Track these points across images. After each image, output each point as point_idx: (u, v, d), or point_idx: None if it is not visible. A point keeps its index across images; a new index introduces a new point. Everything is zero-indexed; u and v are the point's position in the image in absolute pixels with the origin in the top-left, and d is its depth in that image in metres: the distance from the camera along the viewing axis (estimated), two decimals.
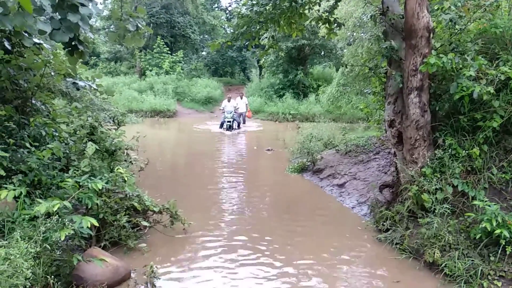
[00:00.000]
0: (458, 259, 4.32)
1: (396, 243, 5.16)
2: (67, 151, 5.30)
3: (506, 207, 4.70)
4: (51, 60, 5.72)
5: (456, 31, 5.49)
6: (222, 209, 6.90)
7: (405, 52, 5.48)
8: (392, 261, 4.92)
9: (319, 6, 7.81)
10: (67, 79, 6.33)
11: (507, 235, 4.15)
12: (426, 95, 5.40)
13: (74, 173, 4.64)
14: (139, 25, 4.80)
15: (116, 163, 5.53)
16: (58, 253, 3.82)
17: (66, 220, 3.87)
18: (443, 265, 4.38)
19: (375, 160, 8.39)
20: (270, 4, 7.27)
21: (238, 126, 18.10)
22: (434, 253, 4.51)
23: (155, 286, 4.19)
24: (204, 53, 38.80)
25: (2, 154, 4.18)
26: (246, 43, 8.32)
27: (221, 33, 36.18)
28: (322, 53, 26.92)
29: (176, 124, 20.29)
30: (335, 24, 7.82)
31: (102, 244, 4.75)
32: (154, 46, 28.75)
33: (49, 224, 3.67)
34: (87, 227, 3.99)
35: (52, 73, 6.00)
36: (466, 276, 4.19)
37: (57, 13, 3.94)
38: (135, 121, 18.33)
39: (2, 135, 4.80)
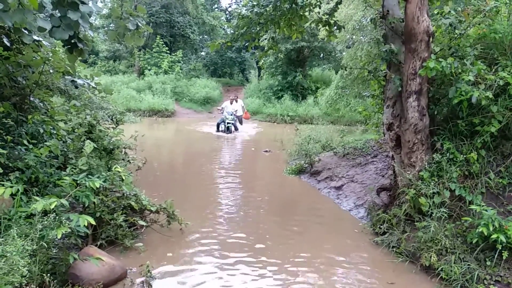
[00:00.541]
0: (454, 263, 4.33)
1: (393, 247, 5.16)
2: (65, 149, 5.29)
3: (503, 212, 4.71)
4: (50, 58, 5.72)
5: (456, 35, 5.51)
6: (219, 209, 6.89)
7: (405, 55, 5.49)
8: (388, 264, 4.92)
9: (320, 8, 7.84)
10: (66, 77, 6.32)
11: (504, 240, 4.16)
12: (425, 99, 5.42)
13: (72, 171, 4.63)
14: (139, 24, 4.80)
15: (114, 162, 5.51)
16: (54, 251, 3.82)
17: (63, 218, 3.85)
18: (439, 269, 4.39)
19: (373, 163, 8.40)
20: (271, 6, 7.29)
21: (236, 129, 17.23)
22: (430, 256, 4.51)
23: (151, 285, 4.17)
24: (203, 53, 38.79)
25: None
26: (246, 44, 8.34)
27: (221, 33, 36.18)
28: (322, 55, 26.99)
29: (174, 124, 20.26)
30: (335, 27, 7.85)
31: (99, 243, 4.73)
32: (154, 46, 28.72)
33: (45, 222, 3.66)
34: (84, 225, 3.98)
35: (51, 71, 5.99)
36: (462, 280, 4.20)
37: (57, 11, 3.95)
38: (133, 120, 18.33)
39: (0, 132, 4.78)
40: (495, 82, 4.80)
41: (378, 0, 7.88)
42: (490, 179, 4.93)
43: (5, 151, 4.32)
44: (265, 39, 8.60)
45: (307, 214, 6.87)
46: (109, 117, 6.61)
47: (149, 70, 27.61)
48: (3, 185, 3.90)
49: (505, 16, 5.77)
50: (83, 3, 4.00)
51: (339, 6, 7.82)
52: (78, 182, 4.39)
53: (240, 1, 37.05)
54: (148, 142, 11.98)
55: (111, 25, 29.50)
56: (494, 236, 4.19)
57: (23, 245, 3.32)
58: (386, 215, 5.59)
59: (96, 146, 5.12)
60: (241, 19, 7.47)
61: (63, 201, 3.91)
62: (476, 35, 5.55)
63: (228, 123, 16.46)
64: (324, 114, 20.53)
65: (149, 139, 12.60)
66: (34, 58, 5.50)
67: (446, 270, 4.32)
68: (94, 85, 6.66)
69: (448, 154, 5.16)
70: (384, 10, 5.83)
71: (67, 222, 3.86)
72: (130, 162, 6.22)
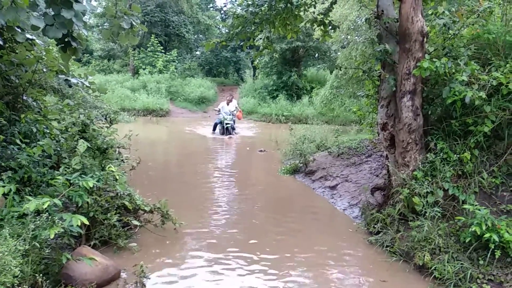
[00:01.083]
0: (447, 262, 4.35)
1: (387, 246, 5.18)
2: (58, 148, 5.25)
3: (495, 212, 4.74)
4: (43, 56, 5.67)
5: (450, 36, 5.54)
6: (213, 209, 6.88)
7: (399, 55, 5.51)
8: (382, 263, 4.94)
9: (314, 8, 7.86)
10: (59, 76, 6.27)
11: (496, 239, 4.19)
12: (419, 99, 5.44)
13: (65, 170, 4.60)
14: (134, 23, 4.77)
15: (108, 162, 5.48)
16: (47, 251, 3.77)
17: (56, 218, 3.82)
18: (432, 268, 4.41)
19: (367, 162, 8.43)
20: (266, 5, 7.29)
21: (234, 129, 16.44)
22: (424, 256, 4.53)
23: (144, 285, 4.15)
24: (198, 52, 38.70)
25: None
26: (241, 44, 8.33)
27: (216, 33, 36.11)
28: (316, 55, 27.01)
29: (169, 124, 20.20)
30: (330, 27, 7.87)
31: (92, 243, 4.71)
32: (148, 45, 28.62)
33: (38, 222, 3.63)
34: (77, 225, 3.95)
35: (44, 70, 5.95)
36: (455, 279, 4.22)
37: (51, 9, 3.91)
38: (128, 119, 18.25)
39: None
40: (488, 82, 4.83)
41: (372, 0, 7.91)
42: (483, 178, 4.96)
43: None
44: (260, 38, 8.58)
45: (301, 214, 6.88)
46: (103, 116, 6.56)
47: (144, 69, 27.51)
48: None
49: (498, 16, 5.82)
50: (77, 1, 3.97)
51: (334, 6, 7.84)
52: (72, 181, 4.36)
53: (235, 1, 36.98)
54: (143, 142, 11.93)
55: (105, 24, 29.38)
56: (487, 235, 4.22)
57: (15, 245, 3.29)
58: (380, 214, 5.61)
59: (89, 146, 5.09)
60: (236, 19, 7.47)
61: (56, 200, 3.88)
62: (470, 36, 5.58)
63: (226, 123, 15.66)
64: (319, 114, 20.57)
65: (144, 138, 12.55)
66: (27, 57, 5.45)
67: (439, 269, 4.34)
68: (88, 84, 6.62)
69: (441, 154, 5.19)
70: (378, 10, 5.84)
71: (60, 222, 3.83)
72: (124, 162, 6.19)
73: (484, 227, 4.26)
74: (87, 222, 4.11)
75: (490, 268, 4.24)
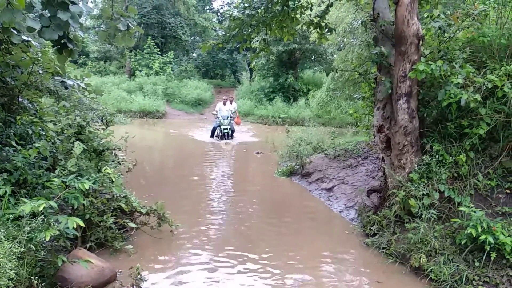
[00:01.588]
0: (443, 264, 4.36)
1: (383, 248, 5.19)
2: (54, 150, 5.23)
3: (491, 213, 4.76)
4: (39, 58, 5.65)
5: (445, 39, 5.57)
6: (210, 211, 6.88)
7: (395, 58, 5.53)
8: (378, 265, 4.95)
9: (311, 10, 7.88)
10: (55, 78, 6.25)
11: (492, 241, 4.21)
12: (414, 101, 5.46)
13: (61, 172, 4.58)
14: (130, 25, 4.76)
15: (104, 164, 5.47)
16: (42, 253, 3.75)
17: (52, 220, 3.81)
18: (428, 270, 4.42)
19: (363, 165, 8.45)
20: (262, 8, 7.31)
21: (233, 132, 15.37)
22: (420, 258, 4.54)
23: None
24: (194, 54, 38.68)
25: None
26: (238, 46, 8.34)
27: (212, 35, 36.11)
28: (313, 57, 27.05)
29: (165, 126, 20.16)
30: (326, 29, 7.89)
31: (88, 245, 4.69)
32: (145, 47, 28.58)
33: (34, 224, 3.61)
34: (73, 227, 3.93)
35: (40, 71, 5.92)
36: (451, 281, 4.23)
37: (47, 10, 3.90)
38: (124, 121, 18.19)
39: None
40: (483, 85, 4.86)
41: (369, 3, 7.94)
42: (479, 180, 4.98)
43: None
44: (257, 40, 8.60)
45: (298, 215, 6.88)
46: (99, 118, 6.55)
47: (140, 71, 27.46)
48: None
49: (493, 20, 5.85)
50: (73, 3, 3.95)
51: (330, 8, 7.86)
52: (67, 183, 4.34)
53: (232, 3, 37.02)
54: (139, 144, 11.90)
55: (101, 26, 29.33)
56: (482, 237, 4.24)
57: (10, 248, 3.27)
58: (376, 216, 5.62)
59: (85, 148, 5.08)
60: (233, 21, 7.48)
61: (52, 203, 3.86)
62: (465, 39, 5.62)
63: (224, 128, 14.71)
64: (315, 116, 20.59)
65: (140, 140, 12.53)
66: (23, 59, 5.43)
67: (435, 271, 4.36)
68: (84, 86, 6.60)
69: (437, 156, 5.21)
70: (374, 13, 5.87)
71: (56, 224, 3.82)
72: (120, 164, 6.17)
73: (479, 229, 4.28)
74: (83, 225, 4.10)
75: (486, 270, 4.26)
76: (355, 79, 8.93)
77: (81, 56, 30.15)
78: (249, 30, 7.58)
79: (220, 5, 46.98)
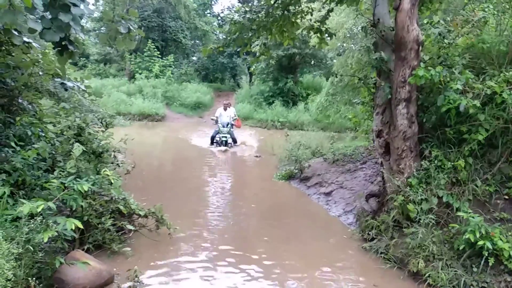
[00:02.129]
0: (441, 269, 4.36)
1: (381, 253, 5.18)
2: (53, 152, 5.24)
3: (489, 219, 4.76)
4: (39, 60, 5.67)
5: (445, 45, 5.59)
6: (208, 214, 6.87)
7: (395, 63, 5.55)
8: (376, 270, 4.94)
9: (311, 15, 7.91)
10: (56, 79, 6.27)
11: (490, 246, 4.21)
12: (414, 107, 5.48)
13: (60, 174, 4.58)
14: (131, 28, 4.78)
15: (103, 165, 5.47)
16: (40, 255, 3.75)
17: (50, 221, 3.81)
18: (426, 275, 4.42)
19: (362, 169, 8.45)
20: (263, 12, 7.33)
21: (235, 141, 14.33)
22: (418, 263, 4.54)
23: None
24: (194, 58, 38.71)
25: None
26: (238, 50, 8.36)
27: (213, 39, 36.11)
28: (313, 62, 27.09)
29: (165, 129, 20.15)
30: (326, 34, 7.93)
31: (86, 247, 4.68)
32: (145, 50, 28.60)
33: (32, 225, 3.61)
34: (71, 229, 3.94)
35: (40, 73, 5.94)
36: (449, 286, 4.23)
37: (48, 12, 3.92)
38: (123, 124, 18.18)
39: None
40: (482, 91, 4.88)
41: (369, 9, 7.97)
42: (477, 186, 4.99)
43: None
44: (257, 45, 8.63)
45: (296, 219, 6.87)
46: (98, 120, 6.56)
47: (140, 74, 27.46)
48: None
49: (493, 26, 5.89)
50: (74, 5, 3.97)
51: (330, 14, 7.90)
52: (66, 185, 4.35)
53: (233, 7, 37.14)
54: (138, 146, 11.89)
55: (102, 28, 29.34)
56: (480, 242, 4.24)
57: (8, 248, 3.27)
58: (374, 221, 5.62)
59: (85, 149, 5.08)
60: (234, 25, 7.50)
61: (50, 204, 3.86)
62: (465, 45, 5.64)
63: (223, 136, 13.70)
64: (315, 120, 20.61)
65: (139, 143, 12.51)
66: (23, 60, 5.45)
67: (433, 276, 4.35)
68: (84, 88, 6.62)
69: (436, 161, 5.22)
70: (375, 18, 5.90)
71: (54, 225, 3.82)
72: (119, 166, 6.17)
73: (478, 235, 4.28)
74: (81, 226, 4.10)
75: (484, 275, 4.25)
76: (355, 84, 8.96)
77: (81, 58, 30.15)
78: (250, 34, 7.61)
79: (221, 9, 47.15)
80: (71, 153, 4.93)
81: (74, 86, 6.36)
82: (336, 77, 14.03)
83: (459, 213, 4.70)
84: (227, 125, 13.82)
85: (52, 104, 6.90)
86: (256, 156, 12.72)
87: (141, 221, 5.47)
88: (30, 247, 3.56)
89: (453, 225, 4.70)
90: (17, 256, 3.39)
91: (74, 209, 4.41)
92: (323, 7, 8.06)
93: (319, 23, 7.84)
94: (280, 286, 4.48)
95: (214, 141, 14.08)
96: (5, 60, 5.26)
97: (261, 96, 25.47)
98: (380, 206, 6.03)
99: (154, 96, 24.40)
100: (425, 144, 5.51)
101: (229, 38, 7.73)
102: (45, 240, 3.61)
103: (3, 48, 5.40)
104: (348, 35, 15.00)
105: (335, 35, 8.69)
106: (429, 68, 5.08)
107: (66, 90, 6.51)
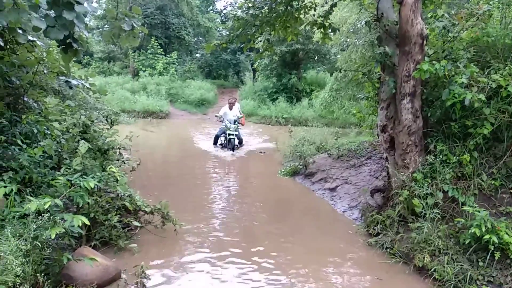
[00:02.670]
0: (447, 264, 4.36)
1: (387, 248, 5.19)
2: (59, 149, 5.26)
3: (495, 213, 4.75)
4: (44, 58, 5.70)
5: (449, 38, 5.56)
6: (213, 210, 6.90)
7: (399, 58, 5.53)
8: (382, 265, 4.95)
9: (315, 10, 7.89)
10: (60, 77, 6.29)
11: (496, 240, 4.20)
12: (418, 101, 5.46)
13: (66, 171, 4.61)
14: (134, 25, 4.78)
15: (109, 163, 5.50)
16: (48, 251, 3.78)
17: (57, 218, 3.84)
18: (432, 269, 4.42)
19: (367, 164, 8.44)
20: (266, 8, 7.32)
21: (240, 142, 13.22)
22: (424, 257, 4.54)
23: (145, 286, 4.16)
24: (198, 55, 38.70)
25: None
26: (241, 46, 8.36)
27: (216, 35, 36.11)
28: (316, 58, 27.00)
29: (169, 126, 20.19)
30: (330, 29, 7.90)
31: (93, 244, 4.72)
32: (148, 47, 28.63)
33: (39, 222, 3.64)
34: (78, 226, 3.96)
35: (45, 71, 5.97)
36: (455, 280, 4.23)
37: (52, 10, 3.93)
38: (128, 121, 18.21)
39: None
40: (487, 84, 4.85)
41: (372, 3, 7.94)
42: (483, 180, 4.98)
43: None
44: (260, 41, 8.61)
45: (301, 215, 6.89)
46: (104, 117, 6.58)
47: (144, 71, 27.51)
48: None
49: (497, 20, 5.84)
50: (78, 3, 3.98)
51: (334, 9, 7.87)
52: (72, 182, 4.37)
53: (235, 3, 37.01)
54: (143, 143, 11.93)
55: (105, 26, 29.40)
56: (486, 237, 4.24)
57: (17, 245, 3.30)
58: (379, 216, 5.62)
59: (90, 147, 5.11)
60: (237, 21, 7.49)
61: (57, 201, 3.89)
62: (469, 38, 5.61)
63: (229, 134, 12.39)
64: (319, 116, 20.57)
65: (144, 140, 12.55)
66: (28, 58, 5.47)
67: (439, 271, 4.36)
68: (88, 86, 6.64)
69: (441, 156, 5.21)
70: (378, 13, 5.87)
71: (61, 222, 3.85)
72: (124, 163, 6.20)
73: (483, 229, 4.27)
74: (88, 223, 4.12)
75: (490, 269, 4.26)
76: (359, 79, 8.92)
77: (85, 57, 30.22)
78: (253, 30, 7.60)
79: (224, 6, 46.99)
80: (77, 150, 4.96)
81: (78, 84, 6.38)
82: (340, 72, 14.03)
83: (465, 208, 4.69)
84: (235, 122, 12.64)
85: (57, 102, 6.93)
86: (261, 152, 12.73)
87: (147, 218, 5.50)
88: (38, 243, 3.59)
89: (459, 219, 4.69)
90: (25, 253, 3.43)
91: (80, 206, 4.44)
92: (326, 2, 8.03)
93: (322, 18, 7.81)
94: (286, 280, 4.50)
95: (219, 142, 12.95)
96: (10, 58, 5.28)
97: (264, 92, 25.43)
98: (385, 201, 6.03)
99: (158, 94, 24.44)
100: (430, 139, 5.50)
101: (232, 34, 7.73)
102: (53, 236, 3.64)
103: (8, 46, 5.43)
104: (352, 30, 14.95)
105: (338, 30, 8.65)
106: (434, 62, 5.06)
107: (71, 88, 6.54)
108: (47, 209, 3.74)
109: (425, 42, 5.39)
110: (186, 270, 4.66)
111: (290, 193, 8.56)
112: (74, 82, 6.33)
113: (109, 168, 4.92)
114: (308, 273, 4.69)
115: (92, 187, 4.39)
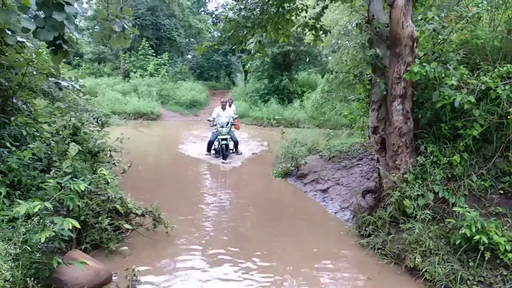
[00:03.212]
0: (438, 264, 4.39)
1: (378, 248, 5.21)
2: (49, 152, 5.21)
3: (485, 214, 4.80)
4: (33, 59, 5.63)
5: (439, 41, 5.61)
6: (205, 213, 6.87)
7: (390, 60, 5.57)
8: (373, 265, 4.97)
9: (306, 12, 7.91)
10: (50, 79, 6.22)
11: (486, 241, 4.24)
12: (409, 103, 5.50)
13: (56, 174, 4.56)
14: (125, 26, 4.75)
15: (99, 165, 5.45)
16: (37, 255, 3.74)
17: (47, 221, 3.79)
18: (423, 270, 4.45)
19: (358, 166, 8.48)
20: (258, 9, 7.33)
21: (236, 147, 12.26)
22: (415, 258, 4.57)
23: None
24: (189, 56, 38.65)
25: None
26: (233, 47, 8.35)
27: (207, 36, 36.08)
28: (307, 59, 27.13)
29: (160, 127, 20.10)
30: (321, 31, 7.93)
31: (83, 247, 4.68)
32: (139, 48, 28.52)
33: (29, 226, 3.60)
34: (68, 229, 3.92)
35: (35, 72, 5.90)
36: (446, 281, 4.26)
37: (42, 11, 3.89)
38: (118, 123, 18.08)
39: None
40: (477, 86, 4.90)
41: (363, 5, 7.98)
42: (473, 181, 5.02)
43: None
44: (252, 42, 8.62)
45: (293, 217, 6.89)
46: (94, 119, 6.52)
47: (135, 72, 27.38)
48: None
49: (486, 22, 5.91)
50: (68, 4, 3.95)
51: (325, 11, 7.90)
52: (62, 185, 4.33)
53: (227, 5, 37.02)
54: (134, 145, 11.85)
55: (96, 27, 29.19)
56: (476, 237, 4.27)
57: (6, 249, 3.26)
58: (371, 217, 5.65)
59: (81, 149, 5.06)
60: (228, 22, 7.49)
61: (47, 204, 3.85)
62: (459, 41, 5.67)
63: (222, 139, 11.28)
64: (310, 117, 20.63)
65: (135, 142, 12.47)
66: (17, 59, 5.40)
67: (430, 271, 4.38)
68: (78, 87, 6.57)
69: (431, 157, 5.24)
70: (369, 15, 5.91)
71: (51, 225, 3.80)
72: (115, 165, 6.15)
73: (473, 229, 4.31)
74: (78, 226, 4.08)
75: (480, 269, 4.29)
76: (350, 81, 8.95)
77: (75, 58, 30.00)
78: (245, 32, 7.60)
79: (215, 7, 47.00)
80: (67, 152, 4.91)
81: (68, 86, 6.31)
82: (331, 74, 14.01)
83: (455, 208, 4.73)
84: (227, 124, 11.43)
85: (47, 103, 6.86)
86: (252, 154, 12.72)
87: (138, 220, 5.47)
88: (27, 247, 3.55)
89: (449, 220, 4.73)
90: (15, 257, 3.39)
91: (71, 208, 4.40)
92: (318, 4, 8.05)
93: (314, 20, 7.84)
94: (278, 282, 4.50)
95: (212, 148, 11.98)
96: None
97: (256, 93, 25.47)
98: (376, 202, 6.06)
99: (149, 95, 24.35)
100: (421, 140, 5.54)
101: (224, 35, 7.73)
102: (42, 240, 3.59)
103: None
104: (343, 32, 15.04)
105: (330, 32, 8.69)
106: (424, 64, 5.10)
107: (60, 89, 6.47)
108: (36, 212, 3.70)
109: (415, 44, 5.43)
110: (178, 272, 4.63)
111: (282, 194, 8.57)
112: (64, 83, 6.25)
113: (100, 171, 4.88)
114: (300, 274, 4.69)
115: (83, 189, 4.34)
